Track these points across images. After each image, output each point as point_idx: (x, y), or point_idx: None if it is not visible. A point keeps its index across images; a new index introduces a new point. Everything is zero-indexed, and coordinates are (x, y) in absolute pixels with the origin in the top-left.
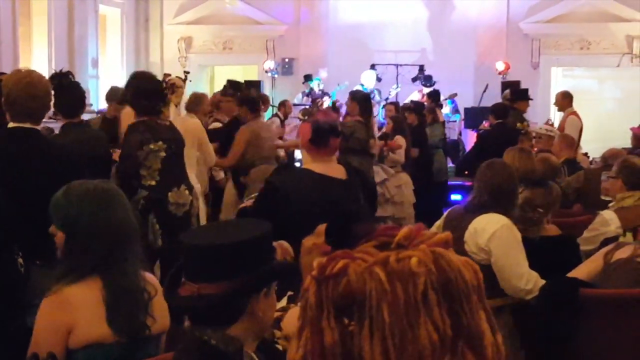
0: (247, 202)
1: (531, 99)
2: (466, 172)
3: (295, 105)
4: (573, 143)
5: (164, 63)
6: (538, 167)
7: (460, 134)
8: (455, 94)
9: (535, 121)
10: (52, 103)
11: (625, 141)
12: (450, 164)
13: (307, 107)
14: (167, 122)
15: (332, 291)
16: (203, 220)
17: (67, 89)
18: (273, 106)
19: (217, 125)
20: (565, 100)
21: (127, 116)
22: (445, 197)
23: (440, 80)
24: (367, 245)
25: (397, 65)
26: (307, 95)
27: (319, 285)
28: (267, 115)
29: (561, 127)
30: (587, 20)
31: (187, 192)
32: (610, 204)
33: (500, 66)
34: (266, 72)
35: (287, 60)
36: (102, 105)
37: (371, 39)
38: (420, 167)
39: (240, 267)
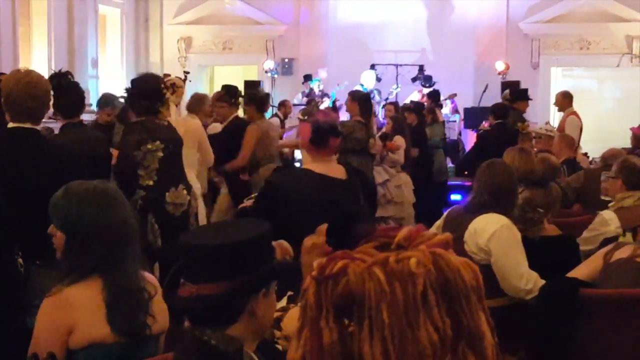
0: (247, 202)
1: (531, 99)
2: (466, 172)
3: (295, 105)
4: (573, 143)
5: (163, 63)
6: (538, 167)
7: (460, 134)
8: (455, 94)
9: (535, 121)
10: (51, 103)
11: (625, 141)
12: (450, 164)
13: (306, 107)
14: (165, 122)
15: (331, 291)
16: (203, 221)
17: (66, 89)
18: (273, 106)
19: (217, 125)
20: (565, 100)
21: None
22: (445, 197)
23: (440, 81)
24: (367, 245)
25: (396, 66)
26: (307, 96)
27: (318, 286)
28: (267, 115)
29: (561, 127)
30: (586, 20)
31: (185, 192)
32: (610, 204)
33: (500, 66)
34: (266, 72)
35: (286, 60)
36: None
37: (371, 39)
38: (420, 167)
39: (239, 267)
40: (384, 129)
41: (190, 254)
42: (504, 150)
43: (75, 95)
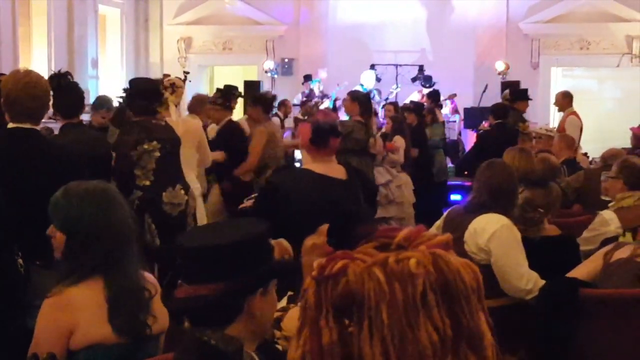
0: (247, 203)
1: (531, 99)
2: (466, 172)
3: (294, 105)
4: (573, 143)
5: (163, 63)
6: (538, 167)
7: (460, 134)
8: (455, 94)
9: (535, 121)
10: (51, 103)
11: (625, 141)
12: (450, 164)
13: (301, 108)
14: (162, 122)
15: (331, 291)
16: (202, 220)
17: (65, 89)
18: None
19: (216, 126)
20: (565, 100)
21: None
22: (445, 197)
23: (440, 81)
24: (367, 246)
25: (396, 66)
26: (307, 97)
27: (318, 286)
28: None
29: (561, 127)
30: (586, 20)
31: (182, 191)
32: (610, 204)
33: (499, 66)
34: (266, 72)
35: (286, 60)
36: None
37: (371, 39)
38: (420, 167)
39: (235, 267)
40: (383, 129)
41: (185, 256)
42: (504, 151)
43: (75, 95)
